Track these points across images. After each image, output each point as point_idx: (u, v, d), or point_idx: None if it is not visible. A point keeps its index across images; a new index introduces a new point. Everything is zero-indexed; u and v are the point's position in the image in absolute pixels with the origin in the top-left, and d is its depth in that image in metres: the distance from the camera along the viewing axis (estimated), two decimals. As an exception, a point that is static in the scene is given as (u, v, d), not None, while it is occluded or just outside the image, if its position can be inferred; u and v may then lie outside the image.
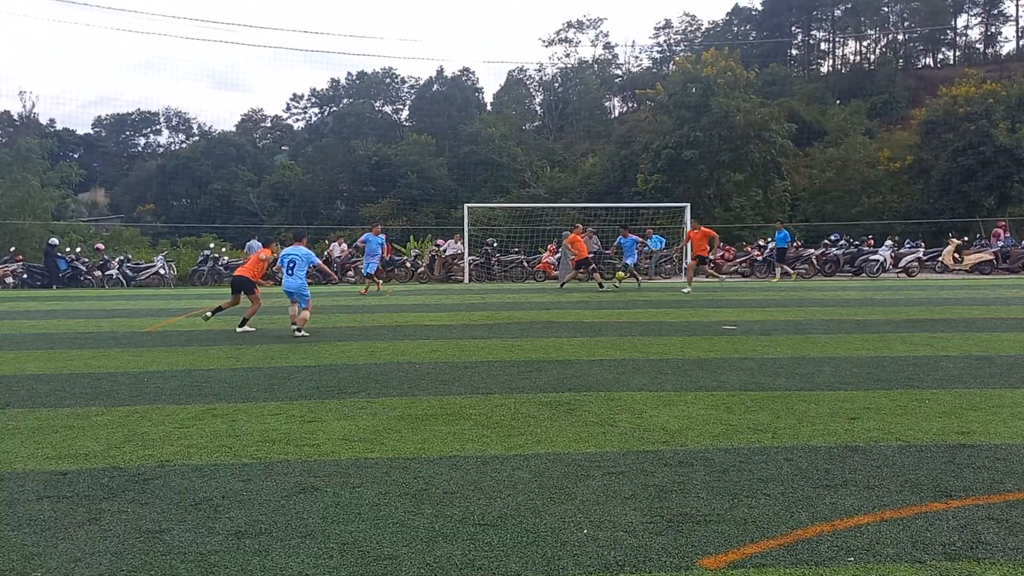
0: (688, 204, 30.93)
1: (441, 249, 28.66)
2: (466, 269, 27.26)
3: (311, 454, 5.88)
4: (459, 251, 28.45)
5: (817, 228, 38.47)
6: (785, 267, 26.37)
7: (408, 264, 28.11)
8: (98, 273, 26.71)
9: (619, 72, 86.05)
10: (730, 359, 9.91)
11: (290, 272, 12.66)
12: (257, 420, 6.97)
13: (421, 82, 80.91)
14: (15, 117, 68.87)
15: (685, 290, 20.17)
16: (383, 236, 22.70)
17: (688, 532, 4.30)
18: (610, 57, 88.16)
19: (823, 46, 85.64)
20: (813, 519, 4.46)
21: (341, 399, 7.80)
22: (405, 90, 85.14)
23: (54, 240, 28.11)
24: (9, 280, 25.95)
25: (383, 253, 23.39)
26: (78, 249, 29.24)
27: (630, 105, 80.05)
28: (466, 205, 30.54)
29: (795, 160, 48.20)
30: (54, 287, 25.65)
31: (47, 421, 7.02)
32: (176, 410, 7.42)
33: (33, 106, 68.19)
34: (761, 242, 29.96)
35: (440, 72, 77.81)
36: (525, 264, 27.65)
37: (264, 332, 13.17)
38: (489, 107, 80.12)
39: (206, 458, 5.82)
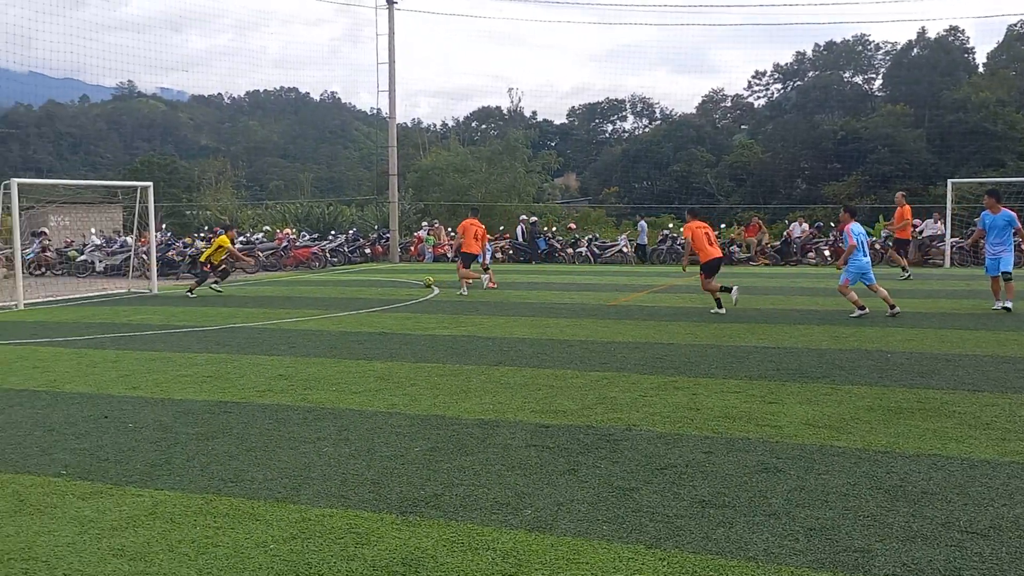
0: None
1: (918, 229, 26.10)
2: (947, 252, 24.48)
3: (772, 435, 5.77)
4: (938, 232, 25.64)
5: None
6: None
7: (877, 246, 26.13)
8: (570, 250, 29.34)
9: None
10: None
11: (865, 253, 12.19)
12: (717, 396, 7.04)
13: (899, 47, 74.24)
14: (504, 112, 78.42)
15: None
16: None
17: None
18: None
19: None
20: None
21: (803, 383, 7.53)
22: (879, 57, 78.84)
23: (534, 219, 31.54)
24: (499, 255, 29.78)
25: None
26: (554, 228, 32.41)
27: None
28: (950, 181, 27.34)
29: None
30: (533, 262, 28.79)
31: (532, 379, 7.90)
32: (640, 379, 7.83)
33: (519, 101, 76.87)
34: None
35: (922, 34, 70.52)
36: None
37: (724, 312, 13.28)
38: (981, 69, 70.54)
39: (669, 427, 6.05)
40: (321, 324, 12.25)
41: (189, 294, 16.94)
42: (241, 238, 27.77)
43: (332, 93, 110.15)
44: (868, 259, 12.17)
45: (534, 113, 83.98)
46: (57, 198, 28.82)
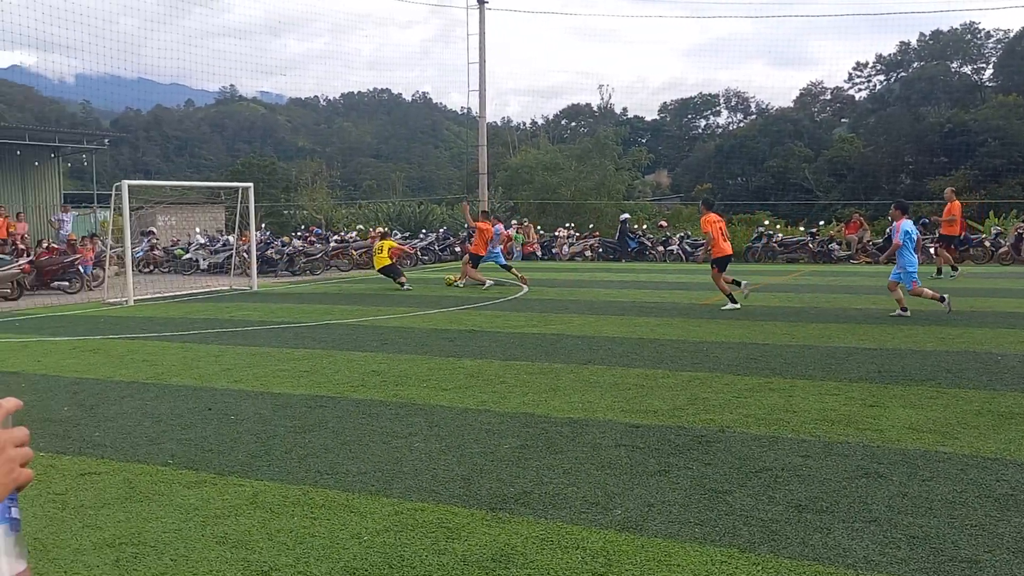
0: None
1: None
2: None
3: (873, 439, 5.57)
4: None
5: None
6: None
7: (987, 243, 24.91)
8: (661, 248, 28.98)
9: None
10: None
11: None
12: (815, 397, 6.84)
13: (1011, 34, 70.52)
14: (595, 109, 78.03)
15: None
16: None
17: None
18: None
19: None
20: None
21: (906, 385, 7.24)
22: (990, 46, 75.07)
23: (625, 216, 31.27)
24: (588, 253, 29.64)
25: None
26: (644, 226, 32.08)
27: None
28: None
29: None
30: (623, 260, 28.56)
31: (621, 378, 7.83)
32: (734, 379, 7.66)
33: (609, 98, 76.49)
34: None
35: (1034, 20, 66.81)
36: None
37: (820, 310, 12.89)
38: (1102, 54, 66.31)
39: (764, 429, 5.90)
40: (412, 321, 12.45)
41: (407, 288, 17.76)
42: (335, 237, 28.48)
43: (423, 93, 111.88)
44: (915, 258, 11.75)
45: (624, 110, 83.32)
46: (164, 199, 30.13)
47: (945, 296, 11.80)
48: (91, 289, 18.90)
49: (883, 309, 12.74)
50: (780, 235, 28.11)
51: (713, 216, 13.38)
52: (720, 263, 13.20)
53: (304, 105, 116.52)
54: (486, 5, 31.64)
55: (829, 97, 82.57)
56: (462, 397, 7.10)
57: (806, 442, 5.54)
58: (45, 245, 20.59)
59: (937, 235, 19.62)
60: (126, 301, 16.03)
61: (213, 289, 18.80)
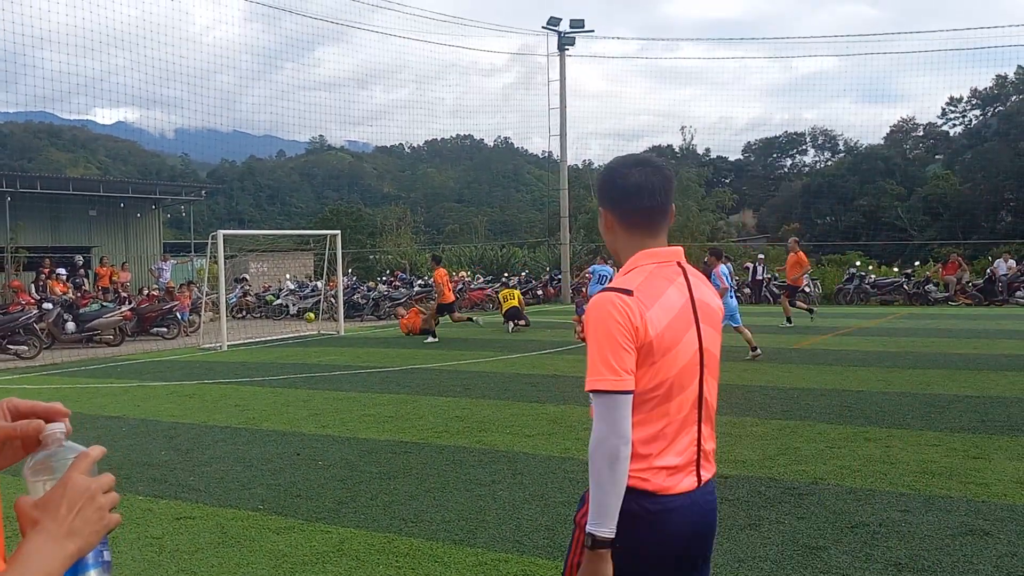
0: None
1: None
2: None
3: (978, 493, 5.28)
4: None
5: None
6: None
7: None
8: (747, 290, 28.43)
9: None
10: None
11: None
12: (913, 449, 6.54)
13: (1114, 64, 67.45)
14: (677, 150, 77.62)
15: None
16: None
17: None
18: None
19: None
20: None
21: (1013, 436, 6.86)
22: (1091, 77, 71.88)
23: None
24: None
25: None
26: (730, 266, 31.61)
27: None
28: None
29: None
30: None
31: (709, 425, 7.64)
32: (827, 429, 7.41)
33: (692, 138, 75.65)
34: None
35: None
36: None
37: (918, 355, 12.39)
38: None
39: (860, 481, 5.67)
40: (494, 366, 12.48)
41: (523, 327, 18.82)
42: (419, 281, 28.93)
43: (505, 138, 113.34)
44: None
45: (707, 150, 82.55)
46: (256, 247, 31.21)
47: None
48: (188, 335, 19.64)
49: (984, 354, 12.18)
50: (873, 276, 27.25)
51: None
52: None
53: (389, 152, 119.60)
54: (567, 52, 32.02)
55: (921, 133, 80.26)
56: (545, 444, 7.06)
57: (905, 496, 5.29)
58: (145, 292, 21.55)
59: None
60: (220, 346, 16.57)
61: (302, 333, 19.29)
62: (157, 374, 12.78)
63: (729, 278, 11.79)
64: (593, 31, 33.17)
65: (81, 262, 23.32)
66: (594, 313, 2.08)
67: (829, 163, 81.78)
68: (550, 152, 44.04)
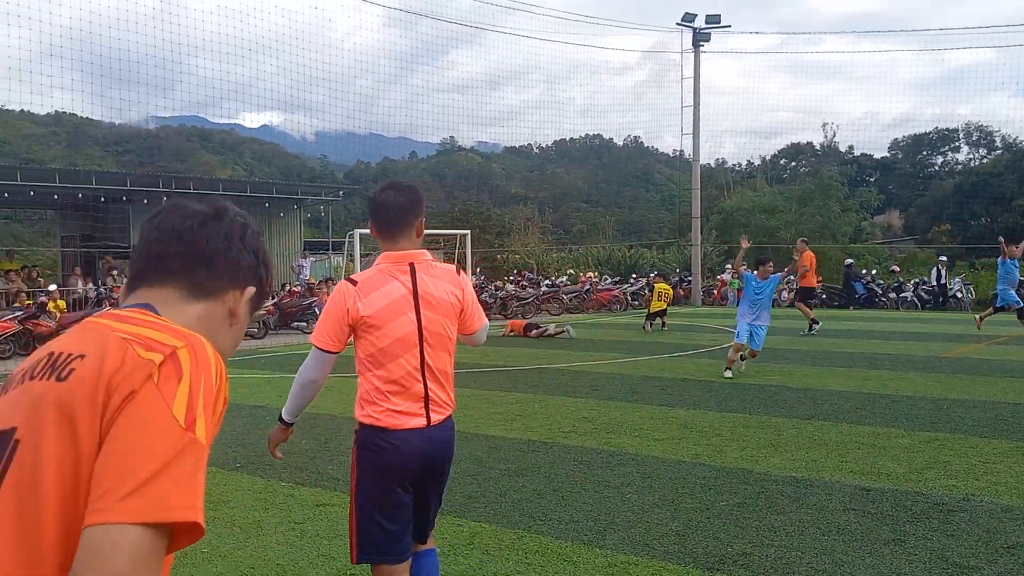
0: None
1: None
2: None
3: None
4: None
5: None
6: None
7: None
8: (893, 295, 27.04)
9: None
10: None
11: None
12: (1080, 468, 6.04)
13: None
14: (817, 147, 74.60)
15: None
16: None
17: None
18: None
19: None
20: None
21: None
22: None
23: (850, 261, 29.50)
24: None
25: None
26: (873, 271, 30.10)
27: None
28: None
29: None
30: (850, 308, 26.88)
31: (849, 436, 7.32)
32: (980, 442, 6.95)
33: (834, 135, 72.50)
34: None
35: None
36: None
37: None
38: None
39: (1017, 499, 5.29)
40: (622, 368, 12.38)
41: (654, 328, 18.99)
42: (546, 282, 29.04)
43: (635, 137, 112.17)
44: None
45: (850, 147, 79.07)
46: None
47: None
48: (326, 329, 20.44)
49: None
50: (1032, 281, 25.35)
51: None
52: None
53: (518, 153, 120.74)
54: (701, 48, 31.39)
55: (1090, 127, 73.94)
56: (675, 448, 6.94)
57: (1072, 519, 4.89)
58: (286, 288, 22.59)
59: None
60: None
61: (433, 331, 19.68)
62: (297, 366, 13.34)
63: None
64: (730, 26, 32.37)
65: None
66: (332, 294, 2.97)
67: (984, 161, 76.72)
68: (681, 151, 43.33)
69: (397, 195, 2.99)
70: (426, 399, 2.91)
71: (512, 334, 18.42)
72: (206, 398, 1.17)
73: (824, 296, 28.38)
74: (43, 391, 1.17)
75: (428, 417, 2.92)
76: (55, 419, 1.13)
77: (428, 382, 2.91)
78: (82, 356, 1.18)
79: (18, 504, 1.09)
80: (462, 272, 3.13)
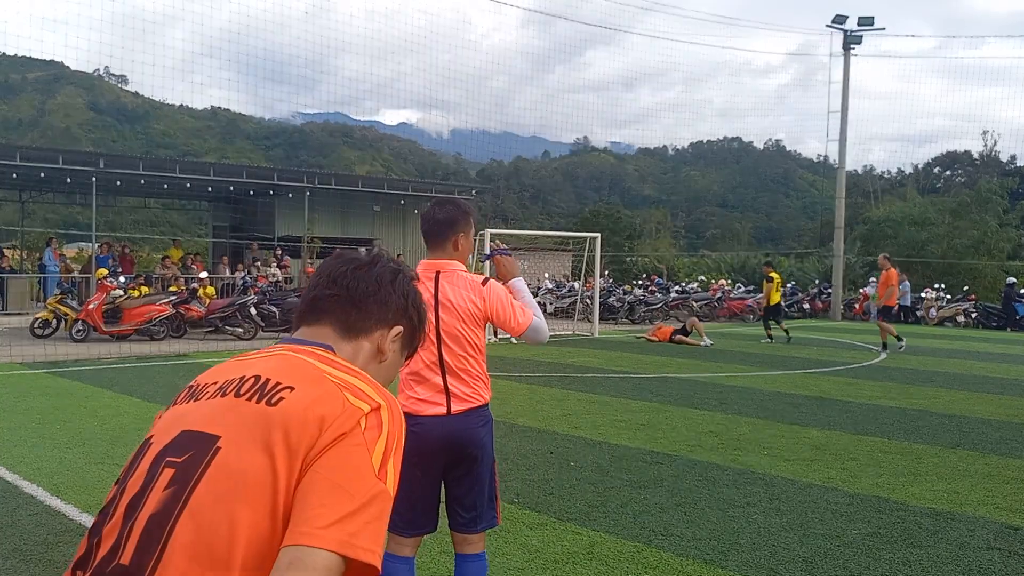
0: None
1: None
2: None
3: None
4: None
5: None
6: None
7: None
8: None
9: None
10: None
11: None
12: None
13: None
14: (975, 157, 70.07)
15: None
16: None
17: None
18: None
19: None
20: None
21: None
22: None
23: (1011, 280, 27.58)
24: (960, 319, 26.53)
25: None
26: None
27: None
28: None
29: None
30: (1008, 329, 25.16)
31: (997, 469, 6.86)
32: None
33: (995, 144, 67.95)
34: None
35: None
36: None
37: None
38: None
39: None
40: (753, 382, 12.03)
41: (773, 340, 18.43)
42: (676, 287, 28.57)
43: (776, 141, 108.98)
44: None
45: (1012, 157, 73.71)
46: (520, 245, 32.49)
47: None
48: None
49: None
50: None
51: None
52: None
53: (652, 154, 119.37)
54: (852, 51, 30.08)
55: None
56: (806, 470, 6.68)
57: None
58: (419, 284, 23.14)
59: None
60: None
61: (557, 333, 19.78)
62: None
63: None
64: (884, 28, 30.90)
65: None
66: None
67: None
68: (826, 156, 41.66)
69: (438, 211, 3.35)
70: (446, 390, 3.27)
71: (654, 340, 18.22)
72: (396, 454, 1.37)
73: (977, 315, 26.66)
74: (253, 412, 1.34)
75: (448, 407, 3.27)
76: (262, 438, 1.30)
77: (447, 375, 3.28)
78: (291, 388, 1.36)
79: (214, 502, 1.26)
80: (489, 283, 3.39)
